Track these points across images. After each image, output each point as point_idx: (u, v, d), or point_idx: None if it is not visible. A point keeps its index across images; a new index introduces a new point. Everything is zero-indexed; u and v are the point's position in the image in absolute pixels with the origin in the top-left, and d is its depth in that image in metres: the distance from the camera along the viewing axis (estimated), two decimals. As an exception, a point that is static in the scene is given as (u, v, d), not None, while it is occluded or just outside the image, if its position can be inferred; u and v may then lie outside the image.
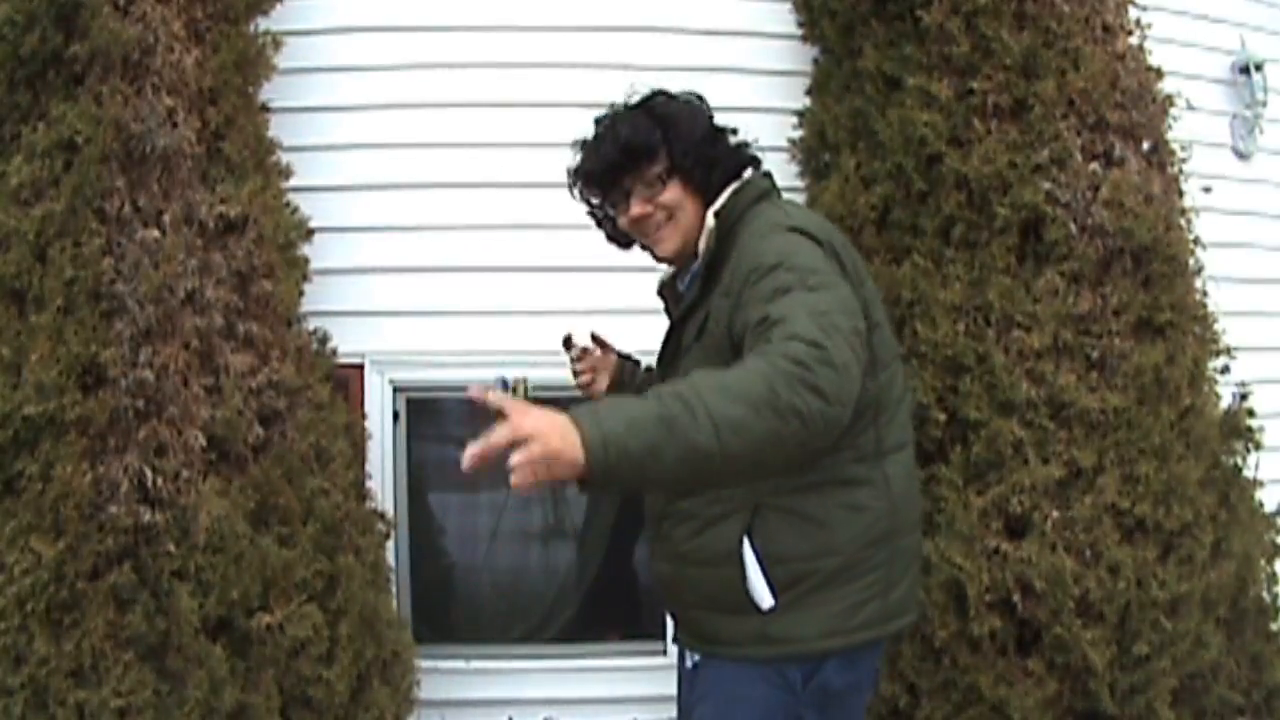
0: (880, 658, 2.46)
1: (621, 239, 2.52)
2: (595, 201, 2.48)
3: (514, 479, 1.68)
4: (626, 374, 2.73)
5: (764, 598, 2.19)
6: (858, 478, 2.21)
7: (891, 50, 3.83)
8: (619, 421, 1.73)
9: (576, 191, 2.48)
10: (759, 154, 2.46)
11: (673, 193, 2.36)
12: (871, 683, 2.42)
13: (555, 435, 1.69)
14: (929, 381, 3.55)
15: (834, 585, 2.20)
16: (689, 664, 2.40)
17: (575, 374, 2.71)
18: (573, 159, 2.46)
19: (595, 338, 2.75)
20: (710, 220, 2.32)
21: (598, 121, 2.44)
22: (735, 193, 2.35)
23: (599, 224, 2.53)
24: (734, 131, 2.45)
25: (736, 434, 1.75)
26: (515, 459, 1.68)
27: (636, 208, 2.37)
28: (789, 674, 2.23)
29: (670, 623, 2.53)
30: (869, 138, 3.85)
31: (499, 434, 1.69)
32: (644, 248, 2.45)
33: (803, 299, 1.98)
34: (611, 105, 2.47)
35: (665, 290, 2.54)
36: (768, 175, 2.44)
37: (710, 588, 2.25)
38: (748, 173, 2.40)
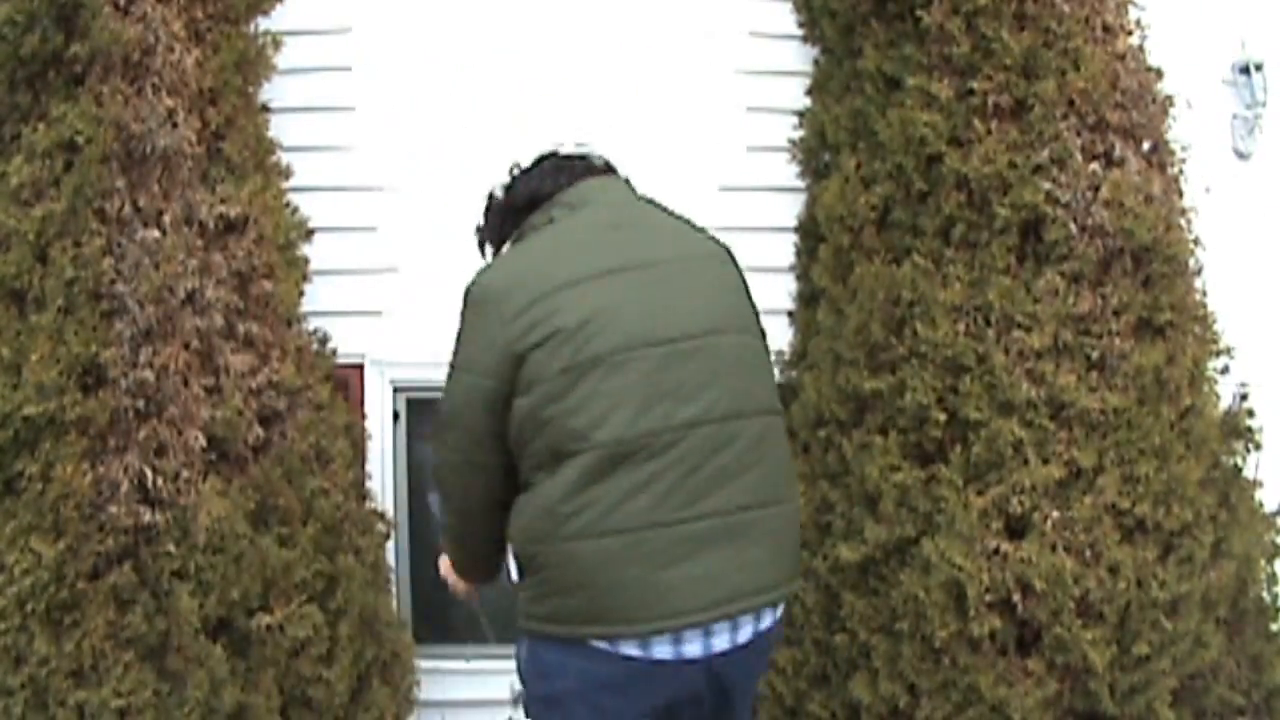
0: (639, 686, 2.37)
1: None
2: None
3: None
4: None
5: (511, 572, 2.57)
6: (533, 481, 2.41)
7: (891, 50, 3.83)
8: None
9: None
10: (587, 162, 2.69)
11: None
12: (626, 709, 2.39)
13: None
14: (929, 381, 3.55)
15: (527, 572, 2.45)
16: None
17: None
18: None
19: None
20: None
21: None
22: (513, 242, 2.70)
23: None
24: (578, 160, 2.69)
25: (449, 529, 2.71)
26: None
27: None
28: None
29: None
30: (869, 138, 3.84)
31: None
32: None
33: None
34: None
35: None
36: (583, 187, 2.63)
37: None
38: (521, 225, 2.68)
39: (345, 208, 4.12)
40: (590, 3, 4.31)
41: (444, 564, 2.82)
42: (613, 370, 2.32)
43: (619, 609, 2.31)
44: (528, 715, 2.53)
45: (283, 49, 3.82)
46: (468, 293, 2.49)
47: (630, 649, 2.33)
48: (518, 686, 2.55)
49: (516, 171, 2.73)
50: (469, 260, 4.28)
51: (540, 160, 2.71)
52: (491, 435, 2.42)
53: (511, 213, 2.66)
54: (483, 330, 2.42)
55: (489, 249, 2.73)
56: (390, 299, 4.18)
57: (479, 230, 2.76)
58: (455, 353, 2.49)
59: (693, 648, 2.34)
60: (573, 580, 2.33)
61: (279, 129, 3.84)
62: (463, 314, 2.49)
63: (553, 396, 2.33)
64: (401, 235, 4.19)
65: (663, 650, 2.33)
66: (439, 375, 4.14)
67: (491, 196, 2.74)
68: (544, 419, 2.34)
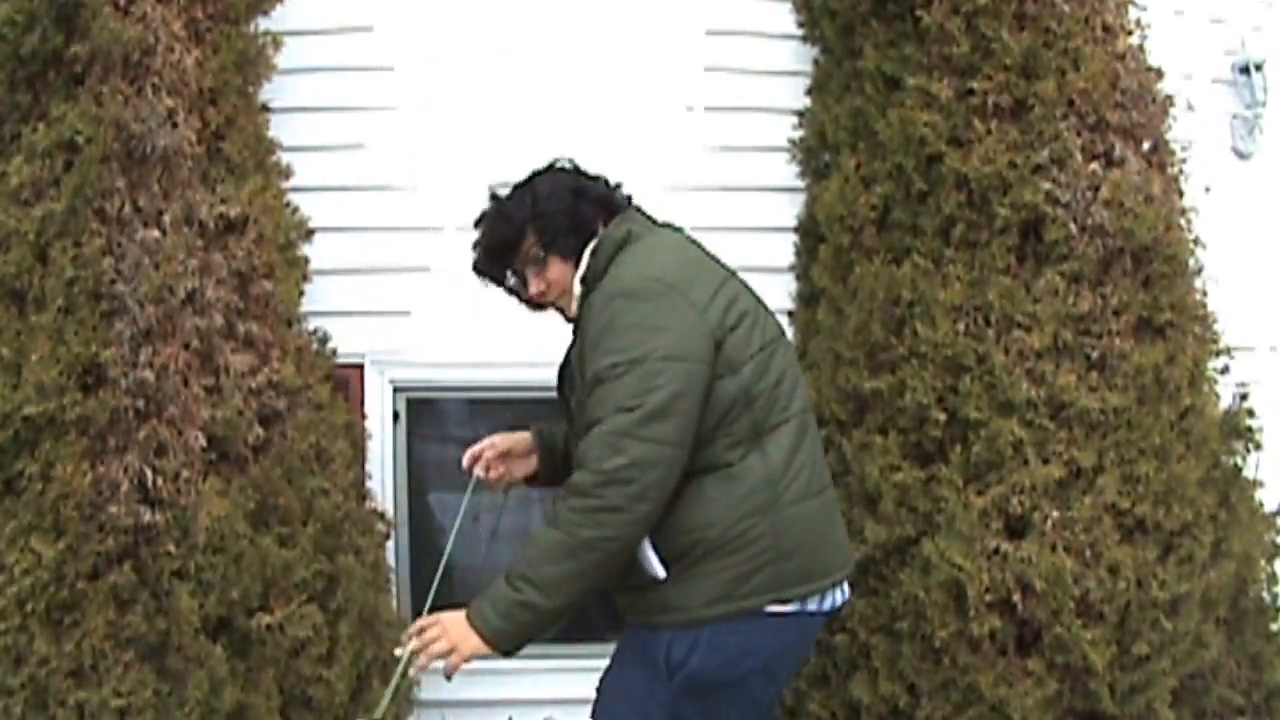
0: (800, 643, 2.61)
1: (534, 305, 2.76)
2: (501, 285, 2.75)
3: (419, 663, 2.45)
4: (544, 443, 2.92)
5: (656, 569, 2.45)
6: (732, 459, 2.44)
7: (891, 50, 3.83)
8: (495, 616, 2.38)
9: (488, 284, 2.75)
10: (625, 196, 2.68)
11: (555, 269, 2.62)
12: (759, 655, 2.51)
13: (458, 636, 2.41)
14: (929, 381, 3.55)
15: (718, 555, 2.42)
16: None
17: (491, 482, 2.90)
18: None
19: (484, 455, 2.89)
20: (577, 287, 2.59)
21: (476, 223, 2.71)
22: (593, 253, 2.58)
23: (514, 296, 2.77)
24: (599, 181, 2.68)
25: (565, 583, 2.35)
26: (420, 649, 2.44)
27: (534, 286, 2.66)
28: (661, 663, 2.47)
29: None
30: (869, 138, 3.85)
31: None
32: (558, 310, 2.71)
33: (610, 396, 2.37)
34: (497, 195, 2.71)
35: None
36: (633, 212, 2.65)
37: (623, 569, 2.46)
38: (605, 229, 2.60)
39: (345, 208, 4.12)
40: (590, 3, 4.31)
41: (460, 636, 2.44)
42: (778, 351, 2.55)
43: (822, 565, 2.51)
44: (678, 712, 2.50)
45: (283, 49, 3.82)
46: (639, 289, 2.45)
47: (813, 604, 2.50)
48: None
49: (561, 169, 2.70)
50: (470, 260, 4.30)
51: (577, 171, 2.71)
52: (696, 421, 2.40)
53: (590, 204, 2.63)
54: (679, 319, 2.42)
55: (568, 239, 2.60)
56: (390, 299, 4.18)
57: (546, 216, 2.60)
58: (637, 346, 2.39)
59: (829, 601, 2.56)
60: (793, 544, 2.45)
61: (279, 129, 3.84)
62: (636, 308, 2.42)
63: (760, 373, 2.47)
64: (401, 235, 4.19)
65: (827, 603, 2.55)
66: (439, 375, 4.20)
67: (564, 188, 2.64)
68: (754, 394, 2.45)
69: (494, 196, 2.71)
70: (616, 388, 2.36)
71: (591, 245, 2.58)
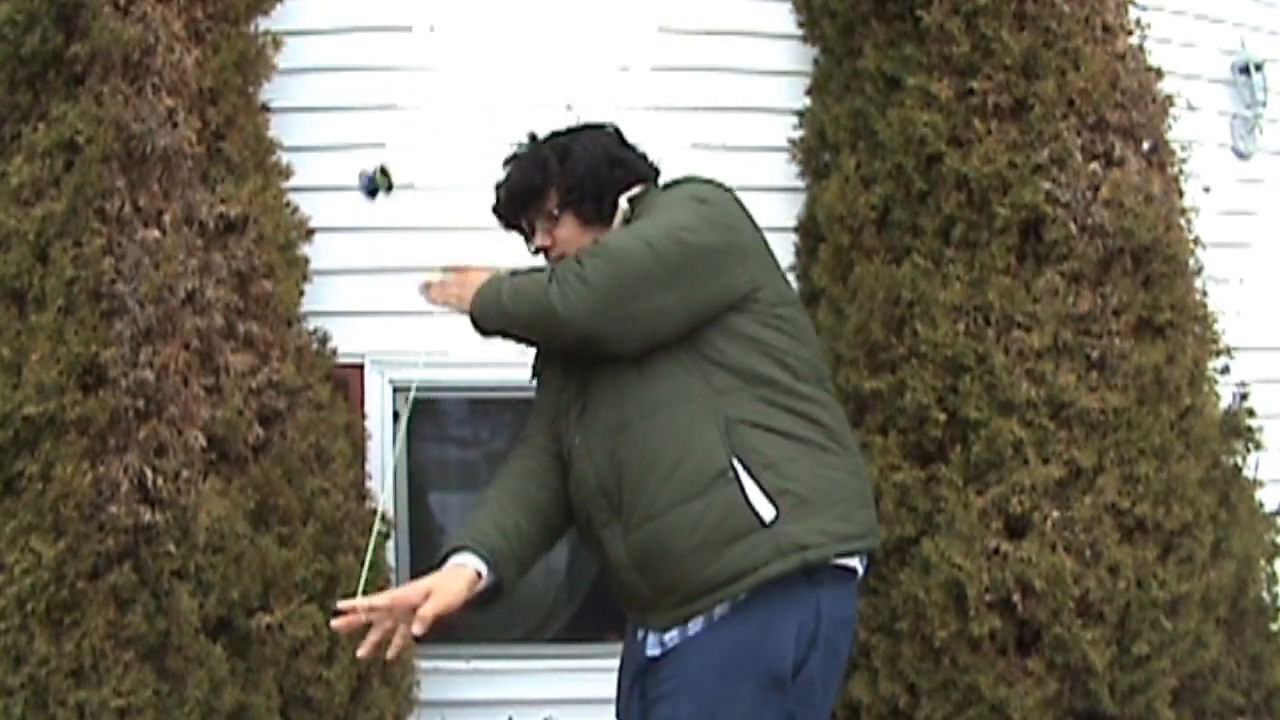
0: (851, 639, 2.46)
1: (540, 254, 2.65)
2: (513, 229, 2.65)
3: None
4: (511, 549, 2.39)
5: (766, 508, 2.19)
6: (805, 394, 2.29)
7: (891, 50, 3.83)
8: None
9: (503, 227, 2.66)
10: (656, 167, 2.58)
11: (567, 228, 2.49)
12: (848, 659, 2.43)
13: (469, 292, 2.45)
14: (929, 381, 3.55)
15: (821, 492, 2.23)
16: (651, 653, 2.32)
17: None
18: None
19: None
20: (624, 204, 2.47)
21: (505, 162, 2.59)
22: (633, 198, 2.48)
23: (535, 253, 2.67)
24: (637, 152, 2.57)
25: (514, 297, 2.33)
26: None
27: (538, 239, 2.54)
28: (779, 671, 2.19)
29: (633, 616, 2.41)
30: (869, 138, 3.84)
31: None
32: None
33: (637, 228, 2.31)
34: (526, 139, 2.59)
35: None
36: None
37: (711, 518, 2.20)
38: (637, 188, 2.50)
39: (345, 208, 4.12)
40: (590, 3, 4.31)
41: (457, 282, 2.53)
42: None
43: (874, 519, 2.37)
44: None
45: (283, 49, 3.82)
46: (711, 185, 2.40)
47: (862, 567, 2.34)
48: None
49: (605, 131, 2.58)
50: (470, 261, 4.29)
51: (619, 137, 2.58)
52: (680, 320, 2.26)
53: (621, 174, 2.51)
54: (749, 226, 2.36)
55: (588, 204, 2.47)
56: (390, 299, 4.17)
57: (574, 177, 2.47)
58: (686, 210, 2.33)
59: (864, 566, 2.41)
60: (868, 491, 2.35)
61: (279, 129, 3.84)
62: (703, 200, 2.36)
63: (805, 318, 2.41)
64: (401, 235, 4.18)
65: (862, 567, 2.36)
66: (439, 375, 4.20)
67: (602, 153, 2.52)
68: (813, 336, 2.40)
69: (532, 138, 2.58)
70: (649, 224, 2.31)
71: (631, 192, 2.47)
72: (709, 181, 2.44)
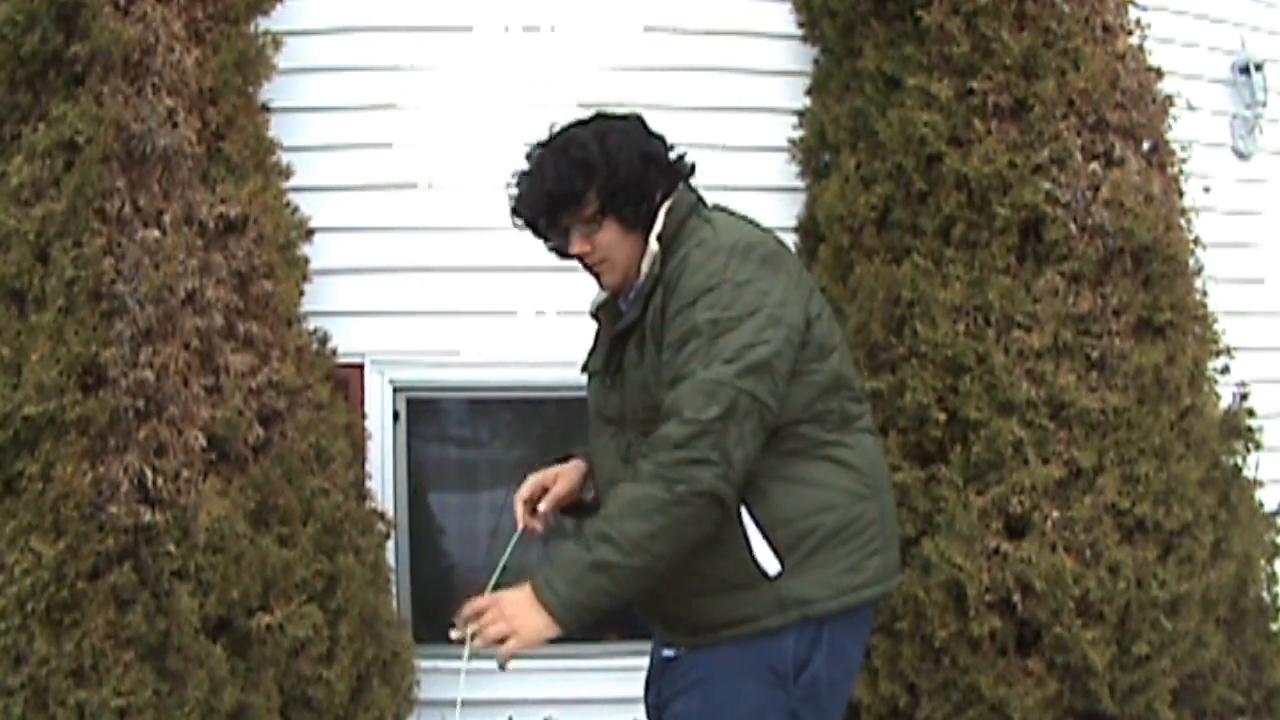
0: (866, 642, 2.47)
1: (563, 256, 2.52)
2: (541, 237, 2.51)
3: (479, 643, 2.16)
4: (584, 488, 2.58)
5: (770, 563, 2.24)
6: (832, 441, 2.31)
7: (891, 50, 3.83)
8: (565, 583, 2.12)
9: (519, 224, 2.50)
10: (686, 163, 2.48)
11: (608, 233, 2.40)
12: (859, 668, 2.44)
13: (519, 617, 2.14)
14: (929, 381, 3.55)
15: (836, 542, 2.27)
16: (667, 654, 2.40)
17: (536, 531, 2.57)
18: (511, 195, 2.46)
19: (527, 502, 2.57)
20: (654, 245, 2.38)
21: (528, 158, 2.44)
22: (668, 213, 2.41)
23: (553, 251, 2.54)
24: (663, 142, 2.47)
25: (653, 541, 2.12)
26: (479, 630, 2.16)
27: (576, 246, 2.42)
28: (788, 664, 2.25)
29: (653, 624, 2.49)
30: (869, 138, 3.85)
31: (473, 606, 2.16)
32: (591, 273, 2.48)
33: (709, 349, 2.20)
34: (547, 135, 2.44)
35: (601, 312, 2.55)
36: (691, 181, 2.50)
37: (716, 569, 2.26)
38: (678, 190, 2.44)
39: (345, 208, 4.12)
40: (590, 3, 4.31)
41: (524, 620, 2.17)
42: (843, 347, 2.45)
43: (897, 557, 2.39)
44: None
45: (283, 49, 3.81)
46: (748, 246, 2.32)
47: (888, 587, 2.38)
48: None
49: (631, 122, 2.47)
50: (469, 261, 4.30)
51: (644, 127, 2.47)
52: (783, 391, 2.25)
53: (656, 172, 2.43)
54: (782, 285, 2.30)
55: (628, 208, 2.39)
56: (390, 299, 4.18)
57: (616, 180, 2.37)
58: (743, 303, 2.25)
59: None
60: (891, 529, 2.35)
61: (279, 129, 3.84)
62: (744, 267, 2.28)
63: (844, 361, 2.40)
64: (401, 235, 4.18)
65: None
66: (439, 375, 4.20)
67: (635, 151, 2.42)
68: (844, 380, 2.37)
69: (553, 137, 2.43)
70: (717, 342, 2.20)
71: (667, 206, 2.40)
72: (741, 237, 2.35)
